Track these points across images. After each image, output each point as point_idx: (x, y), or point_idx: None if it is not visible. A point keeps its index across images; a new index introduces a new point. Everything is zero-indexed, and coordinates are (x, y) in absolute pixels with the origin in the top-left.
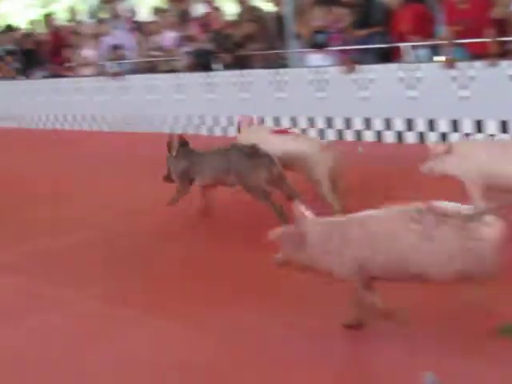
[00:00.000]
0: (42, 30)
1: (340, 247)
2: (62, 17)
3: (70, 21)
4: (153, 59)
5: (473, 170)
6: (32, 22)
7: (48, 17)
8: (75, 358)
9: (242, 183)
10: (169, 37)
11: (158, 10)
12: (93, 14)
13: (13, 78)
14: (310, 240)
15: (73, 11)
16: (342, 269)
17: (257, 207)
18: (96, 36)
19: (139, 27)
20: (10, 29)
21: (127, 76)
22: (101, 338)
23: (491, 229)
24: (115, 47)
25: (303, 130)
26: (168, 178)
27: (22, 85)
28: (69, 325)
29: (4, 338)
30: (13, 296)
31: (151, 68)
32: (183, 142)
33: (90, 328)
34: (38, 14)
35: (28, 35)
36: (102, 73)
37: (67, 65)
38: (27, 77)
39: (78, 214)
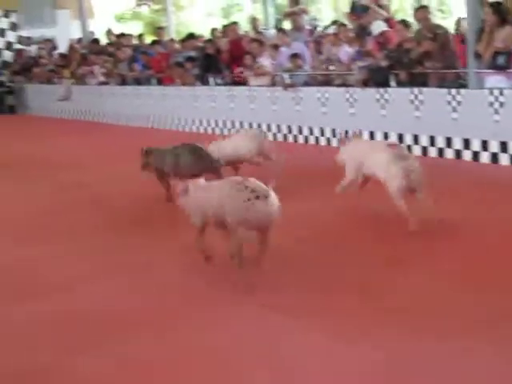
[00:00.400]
0: (222, 38)
1: (196, 201)
2: (243, 26)
3: (250, 30)
4: (327, 72)
5: (349, 160)
6: (213, 31)
7: (229, 26)
8: (233, 362)
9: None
10: (345, 51)
11: (336, 24)
12: (274, 25)
13: (192, 84)
14: (189, 194)
15: (254, 21)
16: (195, 217)
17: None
18: (275, 46)
19: (317, 40)
20: (191, 37)
21: (301, 88)
22: (260, 344)
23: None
24: (293, 58)
25: (475, 154)
26: (144, 167)
27: (199, 91)
28: (231, 326)
29: (170, 338)
30: (181, 296)
31: (325, 81)
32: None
33: (250, 332)
34: (219, 23)
35: (209, 43)
36: (277, 83)
37: (244, 73)
38: (205, 83)
39: None
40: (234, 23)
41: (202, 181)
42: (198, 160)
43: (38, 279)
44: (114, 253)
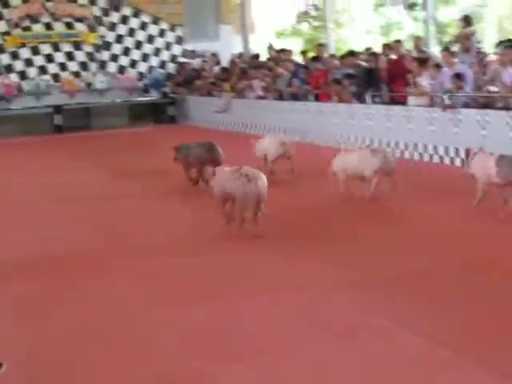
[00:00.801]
0: (382, 56)
1: (216, 182)
2: (404, 44)
3: (412, 49)
4: (489, 95)
5: (339, 166)
6: (367, 50)
7: (391, 44)
8: None
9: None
10: (510, 73)
11: (502, 45)
12: (442, 45)
13: (349, 101)
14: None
15: (417, 40)
16: (217, 192)
17: None
18: (437, 66)
19: (481, 60)
20: (351, 54)
21: (460, 109)
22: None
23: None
24: (455, 79)
25: None
26: (175, 160)
27: (355, 108)
28: (383, 355)
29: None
30: (333, 319)
31: (487, 103)
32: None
33: (401, 362)
34: (378, 40)
35: (372, 56)
36: (435, 103)
37: (401, 92)
38: (362, 101)
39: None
40: (398, 41)
41: (223, 168)
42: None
43: (190, 287)
44: (259, 267)
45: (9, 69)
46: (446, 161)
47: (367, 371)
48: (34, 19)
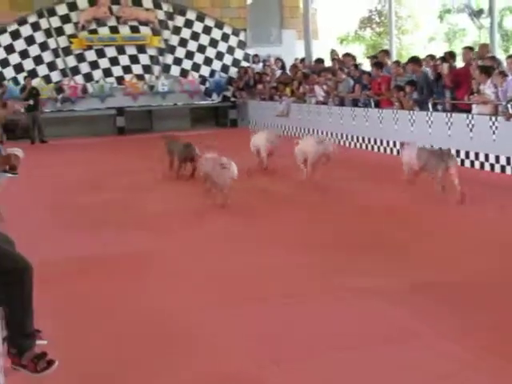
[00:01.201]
0: (446, 63)
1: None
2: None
3: (477, 57)
4: None
5: (297, 152)
6: (429, 57)
7: (463, 50)
8: None
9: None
10: None
11: None
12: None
13: (410, 108)
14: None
15: (483, 47)
16: (204, 174)
17: None
18: (502, 74)
19: None
20: (414, 60)
21: None
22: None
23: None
24: None
25: None
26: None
27: (416, 115)
28: (418, 360)
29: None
30: (376, 323)
31: None
32: (173, 137)
33: (440, 367)
34: (441, 47)
35: (436, 65)
36: (499, 112)
37: (463, 100)
38: (423, 108)
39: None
40: (469, 48)
41: (209, 155)
42: (187, 149)
43: (262, 286)
44: (340, 272)
45: (74, 71)
46: (508, 171)
47: (407, 379)
48: (101, 22)
